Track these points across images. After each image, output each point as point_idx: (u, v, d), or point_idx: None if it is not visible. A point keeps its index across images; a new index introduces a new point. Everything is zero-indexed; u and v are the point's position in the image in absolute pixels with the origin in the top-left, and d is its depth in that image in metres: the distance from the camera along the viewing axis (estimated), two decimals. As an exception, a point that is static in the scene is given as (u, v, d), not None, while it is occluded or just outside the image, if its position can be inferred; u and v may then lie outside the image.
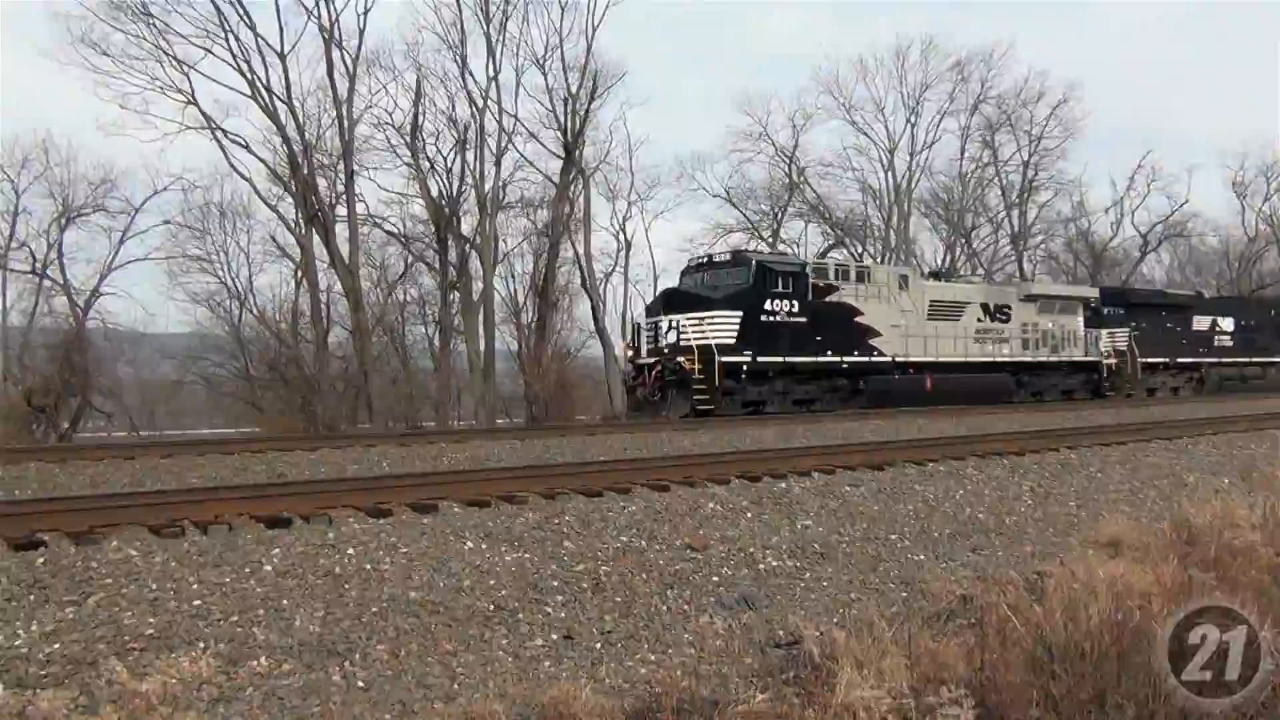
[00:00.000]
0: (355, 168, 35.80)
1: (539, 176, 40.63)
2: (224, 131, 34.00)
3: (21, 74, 60.22)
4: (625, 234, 46.25)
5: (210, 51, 33.12)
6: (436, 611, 6.74)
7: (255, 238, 41.80)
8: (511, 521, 8.65)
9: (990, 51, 53.47)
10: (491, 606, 6.95)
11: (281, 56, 33.87)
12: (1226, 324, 40.48)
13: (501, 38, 37.63)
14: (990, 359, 31.14)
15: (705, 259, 27.92)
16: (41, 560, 6.74)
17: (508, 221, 40.65)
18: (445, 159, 39.00)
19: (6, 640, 5.69)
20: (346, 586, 6.93)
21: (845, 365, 26.83)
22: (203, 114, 33.54)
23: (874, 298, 27.79)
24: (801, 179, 51.92)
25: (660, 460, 13.34)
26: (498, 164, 37.93)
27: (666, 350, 24.92)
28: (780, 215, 52.42)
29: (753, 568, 8.35)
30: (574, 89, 38.87)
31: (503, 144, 38.00)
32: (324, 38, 34.29)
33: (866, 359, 27.33)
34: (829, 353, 26.53)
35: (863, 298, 27.58)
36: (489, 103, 37.34)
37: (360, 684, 5.81)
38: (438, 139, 38.96)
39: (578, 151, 39.21)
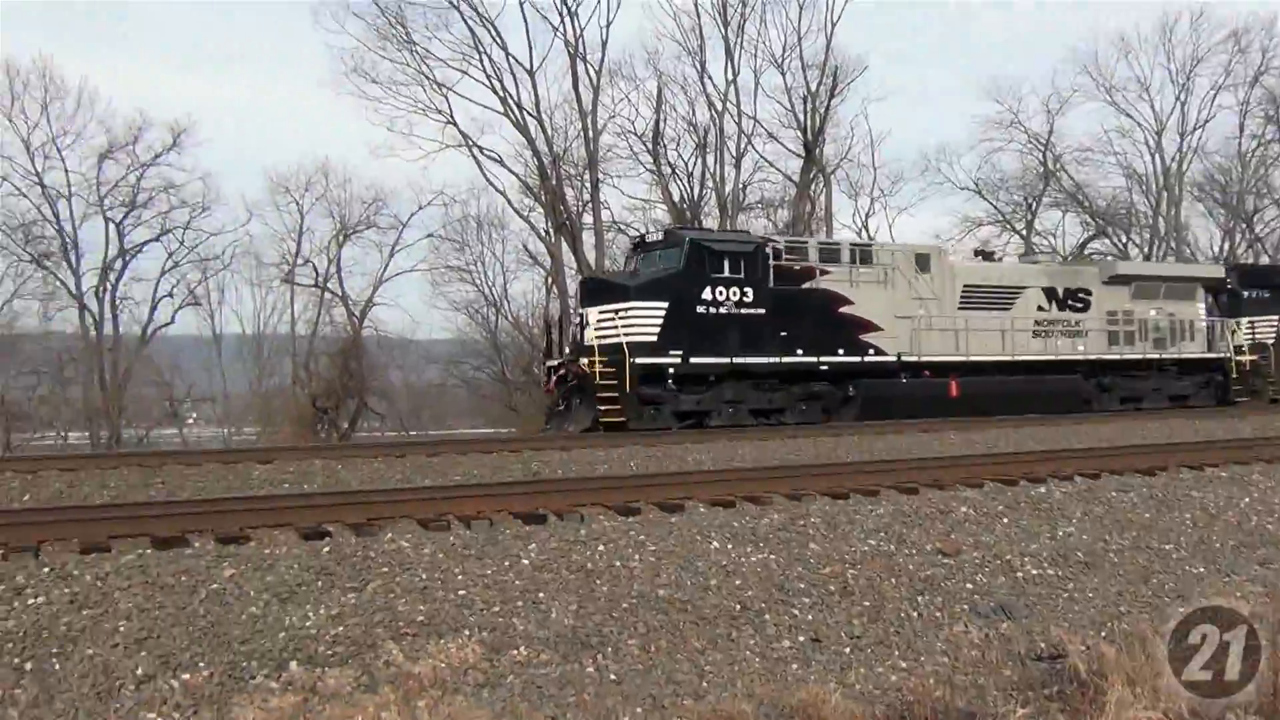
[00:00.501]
0: (600, 176, 36.96)
1: (779, 176, 40.57)
2: (480, 148, 36.03)
3: (304, 106, 66.13)
4: (868, 231, 45.37)
5: (466, 73, 35.19)
6: (684, 609, 6.85)
7: (509, 247, 43.93)
8: (756, 522, 8.66)
9: (1273, 18, 48.73)
10: (738, 606, 6.99)
11: (530, 73, 35.47)
12: None
13: (739, 40, 37.86)
14: (1055, 357, 24.46)
15: (640, 239, 23.33)
16: (327, 549, 7.35)
17: (748, 222, 40.79)
18: (686, 163, 39.65)
19: (299, 621, 6.24)
20: (598, 582, 7.16)
21: (825, 367, 21.20)
22: (460, 133, 35.68)
23: (872, 283, 22.02)
24: (1058, 166, 49.12)
25: (908, 462, 12.99)
26: (737, 165, 38.20)
27: (570, 350, 20.91)
28: (1034, 205, 49.84)
29: (1009, 575, 7.99)
30: (813, 87, 38.58)
31: (742, 146, 38.22)
32: (569, 52, 35.61)
33: (857, 359, 21.62)
34: (799, 351, 20.85)
35: (854, 283, 21.82)
36: (728, 105, 37.64)
37: (613, 677, 5.99)
38: (678, 144, 39.66)
39: (818, 149, 38.86)
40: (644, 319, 19.56)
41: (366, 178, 68.99)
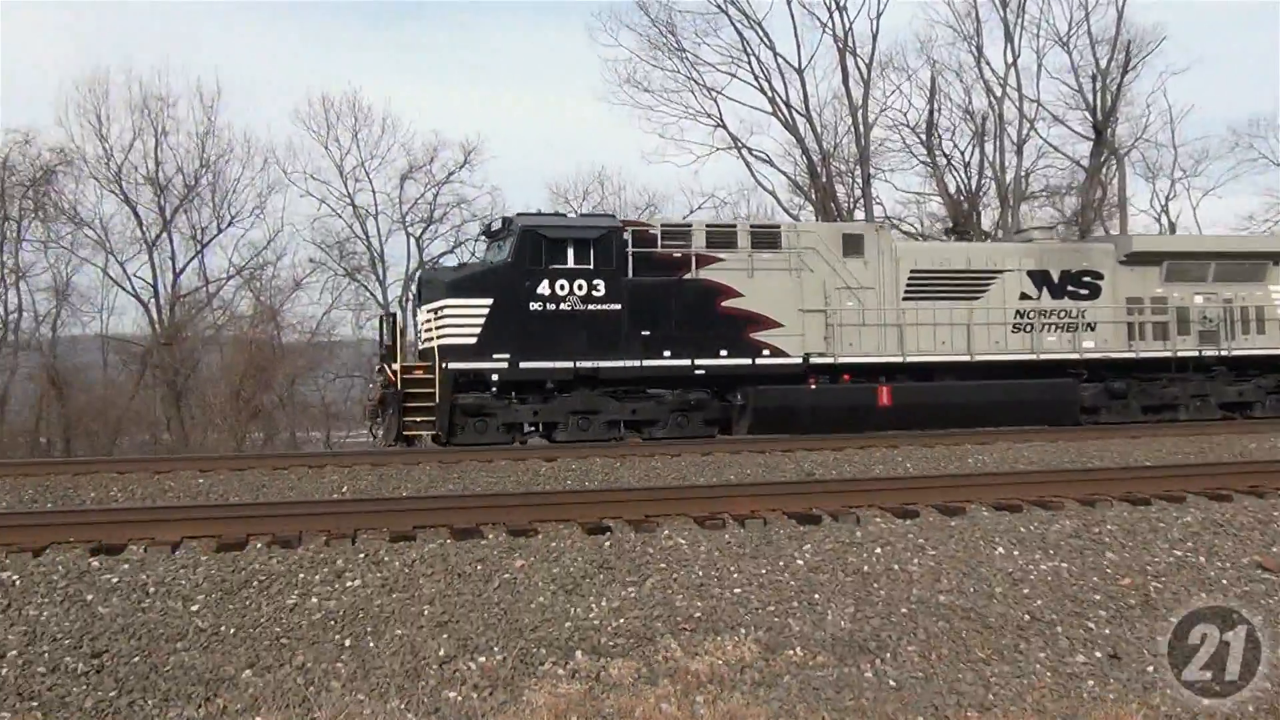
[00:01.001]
0: (871, 171, 36.23)
1: (1065, 162, 38.14)
2: (749, 149, 36.27)
3: (581, 118, 69.03)
4: (1169, 215, 41.78)
5: (735, 76, 35.53)
6: (967, 617, 6.59)
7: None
8: (1045, 528, 8.20)
9: None
10: (1026, 616, 6.64)
11: (799, 71, 35.31)
12: None
13: (1020, 21, 35.91)
14: (1035, 356, 19.56)
15: (487, 227, 20.14)
16: (608, 544, 7.63)
17: (1031, 212, 38.66)
18: (963, 153, 38.09)
19: (583, 613, 6.52)
20: (875, 585, 7.02)
21: (701, 371, 17.84)
22: (730, 135, 36.05)
23: (776, 270, 18.40)
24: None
25: (1218, 466, 11.86)
26: (1019, 153, 36.23)
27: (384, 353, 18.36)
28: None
29: (1345, 595, 7.12)
30: (1103, 64, 35.99)
31: (1024, 131, 36.23)
32: (838, 48, 35.16)
33: (745, 361, 18.01)
34: (667, 354, 17.62)
35: (748, 271, 18.25)
36: (1008, 90, 35.82)
37: (891, 683, 5.85)
38: (954, 133, 38.16)
39: (1109, 130, 36.21)
40: (462, 319, 17.09)
41: (639, 184, 71.06)
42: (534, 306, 17.10)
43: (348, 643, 6.12)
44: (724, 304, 18.00)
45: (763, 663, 6.00)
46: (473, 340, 16.88)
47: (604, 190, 43.00)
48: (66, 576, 6.69)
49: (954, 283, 19.56)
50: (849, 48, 35.19)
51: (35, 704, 5.50)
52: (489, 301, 17.02)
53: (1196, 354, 20.36)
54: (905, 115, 37.90)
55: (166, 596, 6.50)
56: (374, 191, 38.54)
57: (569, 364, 17.05)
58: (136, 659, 5.86)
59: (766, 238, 18.81)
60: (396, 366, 16.87)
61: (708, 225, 18.96)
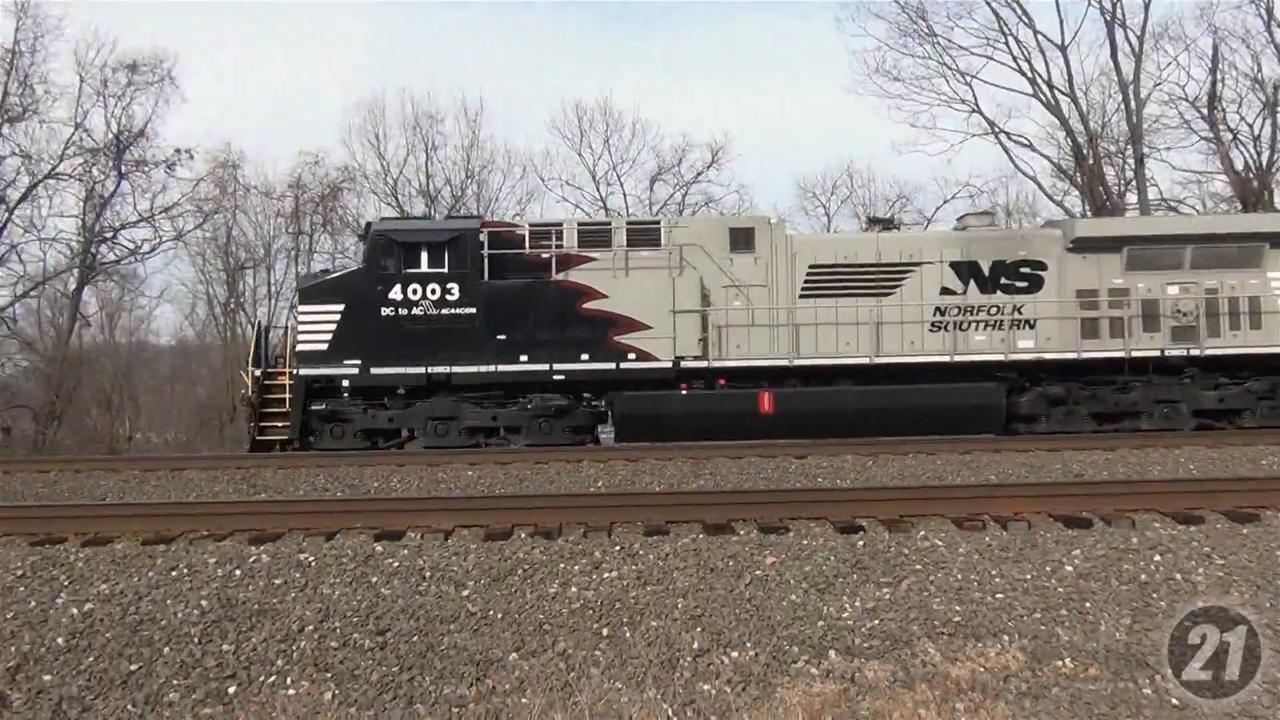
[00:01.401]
0: (1145, 151, 33.63)
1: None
2: (1007, 134, 34.55)
3: (828, 111, 68.09)
4: None
5: (991, 58, 33.94)
6: (1263, 633, 6.01)
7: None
8: (1358, 539, 7.36)
9: None
10: (1334, 636, 5.98)
11: (1062, 49, 33.29)
12: None
13: (1319, -26, 32.32)
14: (948, 358, 17.31)
15: (365, 230, 19.31)
16: (861, 543, 7.49)
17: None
18: (1251, 127, 34.68)
19: (835, 612, 6.44)
20: (1154, 595, 6.53)
21: (560, 376, 17.03)
22: (986, 120, 34.49)
23: (649, 269, 17.29)
24: None
25: None
26: (1321, 122, 32.58)
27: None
28: None
29: None
30: None
31: (1325, 98, 32.56)
32: (1105, 21, 32.87)
33: (609, 365, 17.05)
34: (524, 358, 16.97)
35: (616, 271, 17.28)
36: (1304, 53, 32.30)
37: (1174, 701, 5.43)
38: (1240, 106, 34.81)
39: None
40: (314, 325, 17.01)
41: (890, 175, 69.31)
42: (385, 312, 16.96)
43: (605, 632, 6.32)
44: (586, 306, 17.20)
45: (1029, 672, 5.72)
46: (324, 346, 16.90)
47: (853, 183, 42.24)
48: (354, 560, 7.28)
49: (861, 278, 17.73)
50: (1118, 20, 32.86)
51: (329, 675, 6.02)
52: (340, 308, 17.00)
53: (1159, 353, 17.40)
54: (1183, 89, 34.91)
55: (441, 581, 6.94)
56: (625, 194, 39.58)
57: (421, 369, 16.83)
58: (415, 638, 6.30)
59: (644, 235, 17.68)
60: (258, 372, 17.13)
61: (580, 224, 18.17)
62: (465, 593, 6.79)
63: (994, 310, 17.56)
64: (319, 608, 6.61)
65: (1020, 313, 17.56)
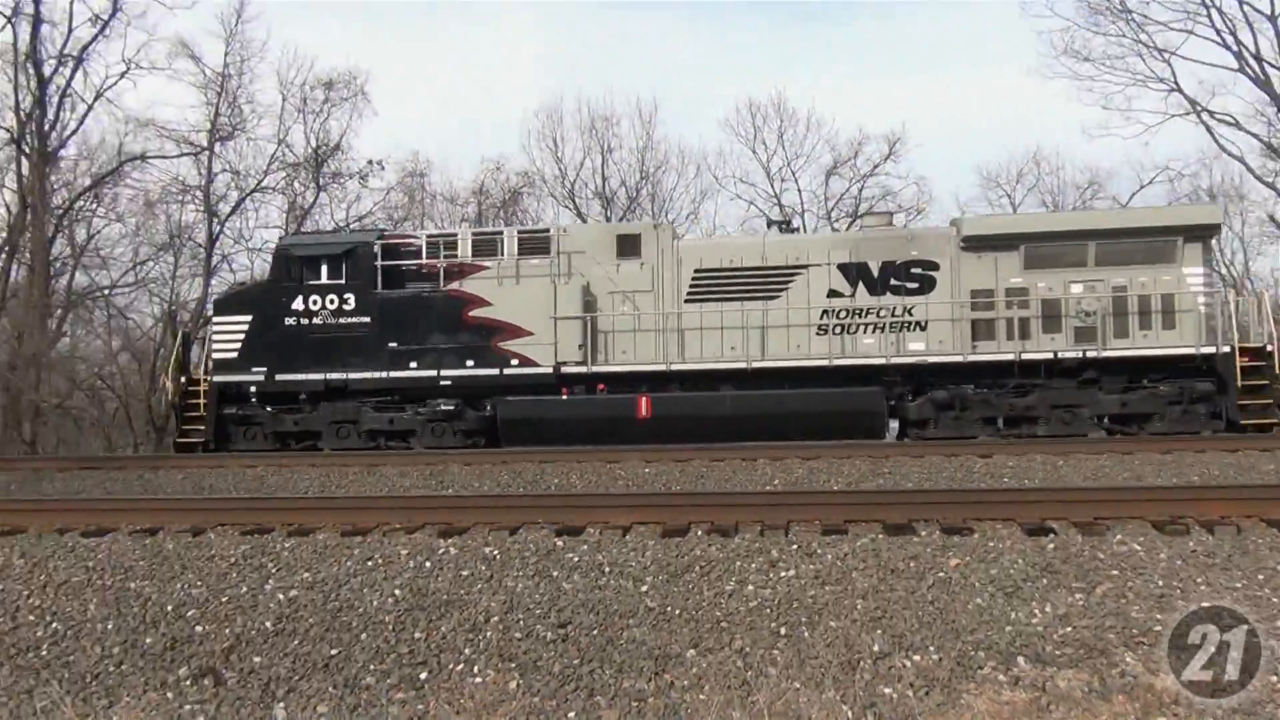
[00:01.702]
0: (1367, 125, 30.88)
1: None
2: (1210, 113, 32.36)
3: (1012, 97, 65.44)
4: None
5: (1191, 33, 31.88)
6: None
7: (1249, 220, 38.74)
8: None
9: None
10: None
11: (1272, 19, 30.92)
12: None
13: None
14: (827, 362, 17.00)
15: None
16: (1051, 546, 7.17)
17: None
18: None
19: (1024, 617, 6.19)
20: (1386, 608, 5.99)
21: (447, 382, 17.60)
22: (1187, 99, 32.41)
23: (532, 277, 17.83)
24: None
25: None
26: None
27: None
28: None
29: None
30: None
31: None
32: (1322, -15, 30.32)
33: (493, 371, 17.64)
34: (413, 365, 17.69)
35: (498, 280, 17.92)
36: None
37: None
38: None
39: None
40: (225, 334, 18.42)
41: (1080, 161, 66.02)
42: (289, 322, 18.02)
43: (783, 631, 6.28)
44: (472, 314, 17.87)
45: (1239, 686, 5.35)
46: (234, 355, 18.14)
47: (1040, 171, 40.47)
48: (536, 554, 7.48)
49: (746, 282, 17.60)
50: (1335, -16, 30.27)
51: (513, 664, 6.21)
52: (248, 318, 18.27)
53: (1052, 355, 16.51)
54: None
55: (619, 576, 7.05)
56: (800, 190, 39.21)
57: (320, 376, 17.80)
58: (595, 631, 6.43)
59: (534, 243, 18.16)
60: (182, 379, 18.57)
61: (473, 234, 18.81)
62: (643, 588, 6.87)
63: (883, 313, 17.26)
64: (503, 600, 6.83)
65: (911, 314, 17.16)
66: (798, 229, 21.71)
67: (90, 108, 36.60)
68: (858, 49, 68.83)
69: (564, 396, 17.66)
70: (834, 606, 6.47)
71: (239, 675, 6.36)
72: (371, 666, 6.33)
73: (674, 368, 17.42)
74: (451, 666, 6.28)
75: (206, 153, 37.23)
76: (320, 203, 38.23)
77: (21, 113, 35.66)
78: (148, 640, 6.73)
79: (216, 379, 18.19)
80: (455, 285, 18.09)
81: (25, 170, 35.76)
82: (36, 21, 35.02)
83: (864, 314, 17.28)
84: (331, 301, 18.15)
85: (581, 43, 69.18)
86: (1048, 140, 69.68)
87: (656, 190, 38.85)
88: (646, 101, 55.25)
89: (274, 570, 7.47)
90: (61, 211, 36.50)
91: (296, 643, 6.59)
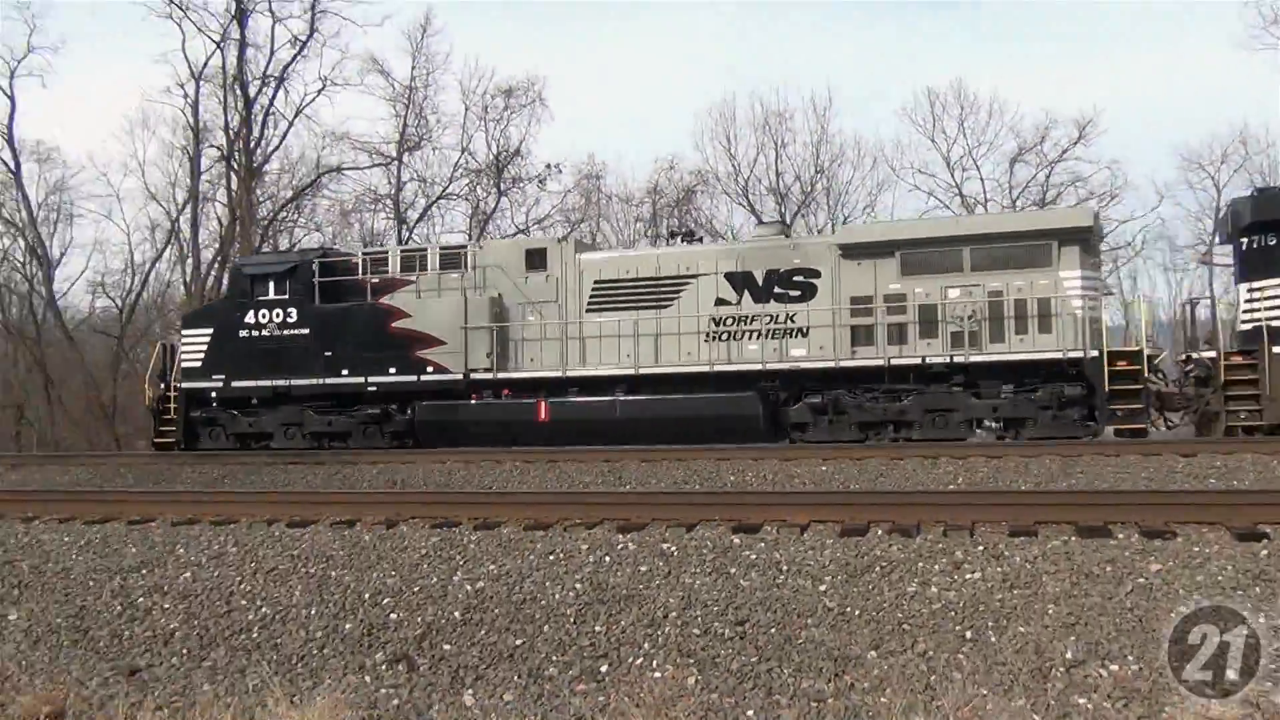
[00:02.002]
0: None
1: None
2: None
3: (1214, 73, 61.20)
4: None
5: None
6: None
7: None
8: None
9: None
10: None
11: None
12: None
13: None
14: (706, 368, 17.66)
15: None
16: (1265, 552, 6.67)
17: None
18: None
19: (1235, 628, 5.79)
20: None
21: (373, 388, 19.28)
22: None
23: (449, 290, 19.44)
24: None
25: None
26: None
27: None
28: None
29: None
30: None
31: None
32: None
33: (411, 378, 19.09)
34: (345, 372, 19.40)
35: (418, 292, 19.65)
36: None
37: None
38: None
39: None
40: (191, 346, 20.58)
41: (1292, 137, 61.14)
42: (242, 334, 20.13)
43: (968, 635, 6.08)
44: (394, 325, 19.33)
45: None
46: (198, 364, 20.40)
47: (1247, 151, 37.75)
48: (714, 551, 7.50)
49: (641, 292, 18.54)
50: None
51: (692, 660, 6.25)
52: (210, 331, 20.50)
53: (920, 360, 16.62)
54: None
55: (798, 575, 6.99)
56: (982, 179, 37.88)
57: (268, 382, 19.81)
58: (773, 630, 6.39)
59: (452, 259, 19.70)
60: (162, 385, 20.96)
61: (402, 250, 20.72)
62: (822, 588, 6.79)
63: (767, 319, 17.85)
64: (681, 596, 6.88)
65: (793, 321, 17.70)
66: (701, 239, 22.68)
67: (291, 124, 38.95)
68: (1044, 29, 65.90)
69: (473, 401, 18.95)
70: (1023, 611, 6.21)
71: (430, 662, 6.64)
72: (554, 658, 6.49)
73: (570, 374, 18.53)
74: (631, 660, 6.37)
75: (396, 162, 39.06)
76: (501, 207, 39.46)
77: (230, 131, 38.27)
78: (347, 626, 7.11)
79: (184, 385, 20.47)
80: (384, 299, 19.73)
81: (234, 185, 38.38)
82: (242, 46, 37.51)
83: (749, 321, 17.99)
84: (277, 315, 20.13)
85: (753, 38, 68.93)
86: (1257, 117, 64.80)
87: (831, 184, 38.29)
88: (820, 95, 54.60)
89: (461, 562, 7.76)
90: (266, 222, 38.98)
91: (483, 632, 6.83)
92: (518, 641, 6.69)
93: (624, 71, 69.66)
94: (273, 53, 37.98)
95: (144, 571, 8.25)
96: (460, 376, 18.90)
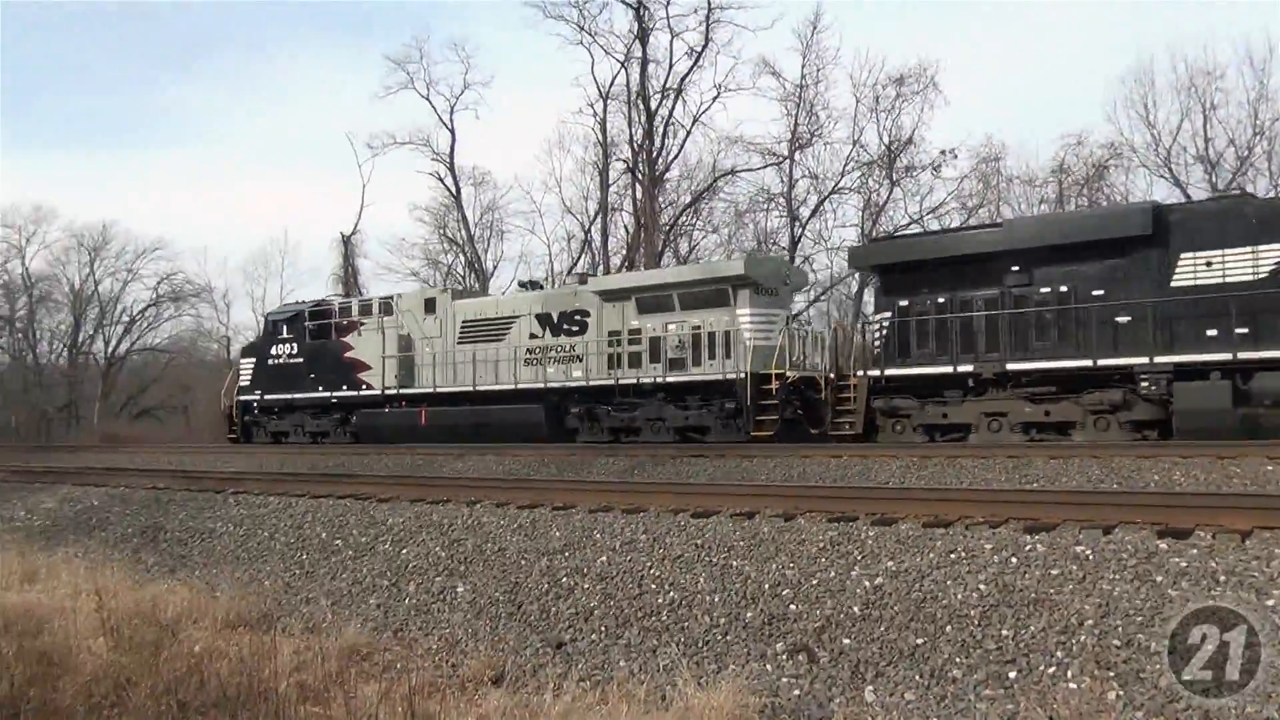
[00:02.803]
0: None
1: None
2: None
3: None
4: None
5: None
6: None
7: None
8: None
9: None
10: None
11: None
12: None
13: None
14: (520, 385, 23.32)
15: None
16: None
17: None
18: None
19: None
20: None
21: (335, 400, 27.06)
22: None
23: (371, 330, 26.57)
24: None
25: None
26: None
27: None
28: None
29: None
30: None
31: None
32: None
33: (355, 393, 26.57)
34: (320, 389, 27.28)
35: (357, 332, 27.00)
36: None
37: None
38: None
39: None
40: (244, 370, 29.89)
41: None
42: (270, 362, 28.67)
43: None
44: (346, 355, 26.93)
45: None
46: (248, 382, 29.36)
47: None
48: (1135, 556, 6.86)
49: (487, 328, 24.47)
50: None
51: (1112, 674, 5.78)
52: (254, 360, 29.40)
53: (634, 381, 21.48)
54: None
55: (1239, 587, 6.23)
56: None
57: (285, 396, 28.23)
58: (1209, 647, 5.74)
59: (385, 306, 26.72)
60: (235, 396, 30.03)
61: (359, 301, 29.08)
62: (1270, 602, 6.00)
63: (559, 349, 23.23)
64: (1098, 603, 6.38)
65: (574, 350, 22.95)
66: (542, 285, 26.71)
67: (688, 133, 40.81)
68: None
69: (386, 410, 25.93)
70: None
71: (830, 655, 6.67)
72: (957, 659, 6.28)
73: (439, 390, 24.70)
74: (1042, 668, 6.01)
75: (787, 161, 39.66)
76: (894, 198, 38.78)
77: (634, 144, 40.77)
78: (748, 614, 7.32)
79: (239, 398, 29.60)
80: (344, 337, 27.24)
81: (638, 194, 40.83)
82: (644, 63, 39.88)
83: (550, 350, 23.39)
84: (289, 349, 28.31)
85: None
86: None
87: (1275, 146, 33.69)
88: (1258, 45, 48.35)
89: (859, 557, 7.72)
90: (668, 227, 41.09)
91: (883, 629, 6.74)
92: (918, 640, 6.53)
93: (1022, 45, 65.82)
94: (670, 66, 40.00)
95: (567, 554, 9.01)
96: (379, 392, 25.96)
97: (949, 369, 18.07)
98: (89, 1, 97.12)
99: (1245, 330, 15.37)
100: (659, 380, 21.04)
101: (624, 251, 41.51)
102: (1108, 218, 18.55)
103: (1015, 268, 17.91)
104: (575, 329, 23.05)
